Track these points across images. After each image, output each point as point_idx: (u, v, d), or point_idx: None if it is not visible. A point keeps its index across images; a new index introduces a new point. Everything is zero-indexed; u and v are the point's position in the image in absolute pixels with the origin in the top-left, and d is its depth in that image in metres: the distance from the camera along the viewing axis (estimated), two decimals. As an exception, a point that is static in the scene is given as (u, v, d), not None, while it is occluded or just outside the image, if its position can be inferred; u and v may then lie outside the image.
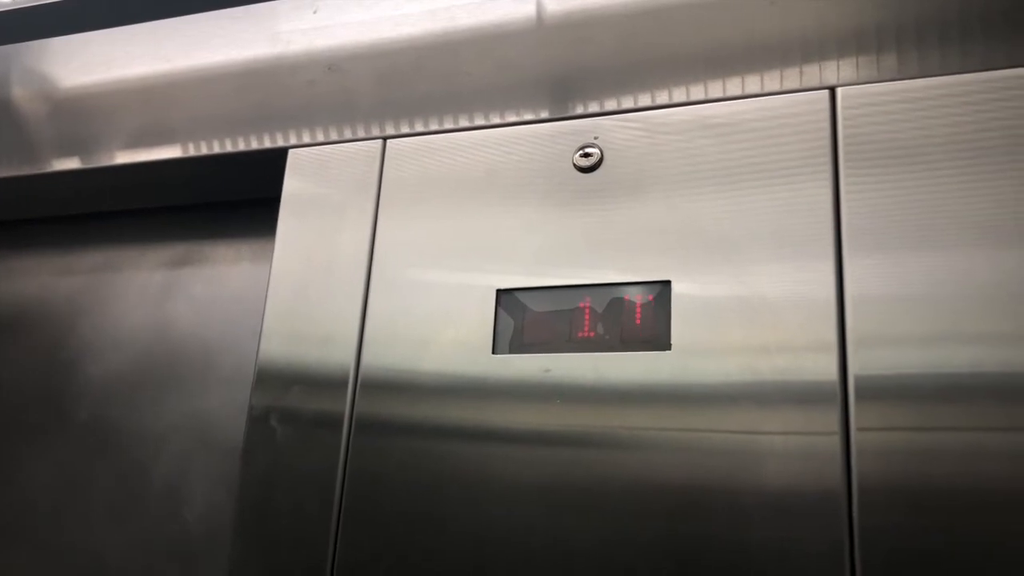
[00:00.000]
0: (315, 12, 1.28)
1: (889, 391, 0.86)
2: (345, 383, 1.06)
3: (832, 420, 0.86)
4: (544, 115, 1.09)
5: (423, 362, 1.03)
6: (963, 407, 0.83)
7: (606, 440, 0.93)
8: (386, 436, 1.03)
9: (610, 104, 1.07)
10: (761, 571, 0.85)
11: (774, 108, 0.98)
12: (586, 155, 1.04)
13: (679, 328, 0.94)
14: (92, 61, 1.42)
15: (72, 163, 1.37)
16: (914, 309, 0.87)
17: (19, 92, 1.46)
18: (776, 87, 0.99)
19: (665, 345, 0.94)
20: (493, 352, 1.01)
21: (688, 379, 0.92)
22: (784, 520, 0.85)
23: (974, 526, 0.80)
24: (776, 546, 0.85)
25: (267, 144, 1.24)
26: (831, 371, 0.88)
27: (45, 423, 1.44)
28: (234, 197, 1.40)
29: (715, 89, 1.02)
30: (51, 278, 1.53)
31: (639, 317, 0.96)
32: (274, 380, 1.10)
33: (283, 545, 1.04)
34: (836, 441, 0.86)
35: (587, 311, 0.99)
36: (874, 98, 0.95)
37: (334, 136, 1.20)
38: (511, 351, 1.00)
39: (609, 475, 0.92)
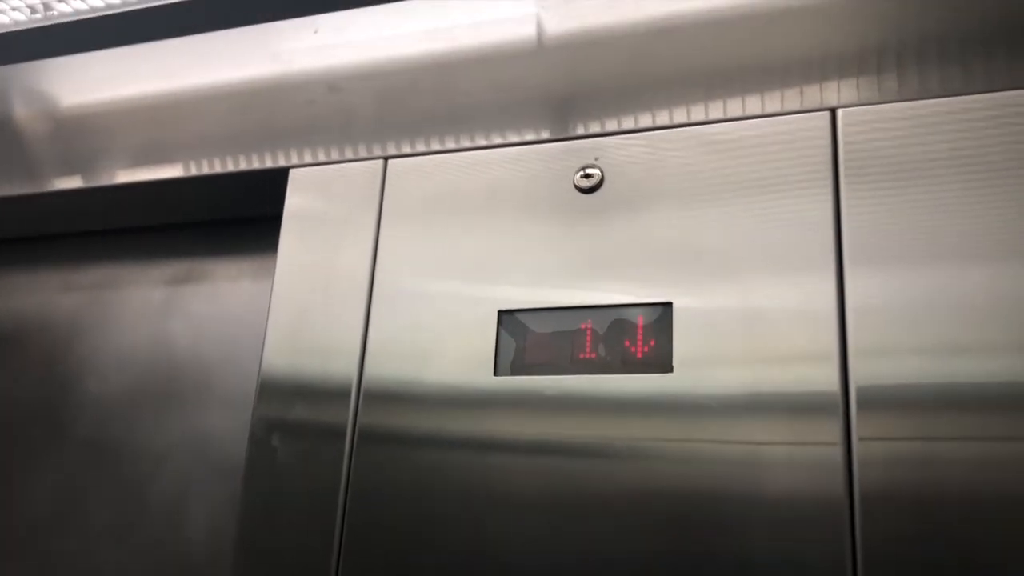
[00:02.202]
0: (316, 32, 1.29)
1: (890, 401, 0.86)
2: (348, 394, 1.07)
3: (834, 430, 0.87)
4: (545, 135, 1.10)
5: (424, 382, 1.04)
6: (964, 417, 0.84)
7: (609, 453, 0.94)
8: (389, 449, 1.03)
9: (611, 125, 1.07)
10: None
11: (775, 128, 0.99)
12: (587, 176, 1.05)
13: (681, 348, 0.95)
14: (94, 80, 1.43)
15: (74, 182, 1.37)
16: (914, 321, 0.88)
17: (21, 111, 1.47)
18: (777, 108, 1.00)
19: (667, 367, 0.95)
20: (495, 374, 1.01)
21: (691, 396, 0.93)
22: (787, 530, 0.86)
23: (976, 535, 0.81)
24: (779, 557, 0.86)
25: (268, 164, 1.25)
26: (833, 382, 0.89)
27: (45, 439, 1.44)
28: (235, 215, 1.40)
29: (716, 110, 1.03)
30: (53, 295, 1.53)
31: (641, 339, 0.97)
32: (277, 394, 1.11)
33: (286, 555, 1.04)
34: (838, 451, 0.86)
35: (588, 332, 0.99)
36: (874, 118, 0.96)
37: (335, 155, 1.21)
38: (513, 372, 1.01)
39: (612, 488, 0.93)
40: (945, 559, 0.81)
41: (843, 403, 0.88)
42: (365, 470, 1.04)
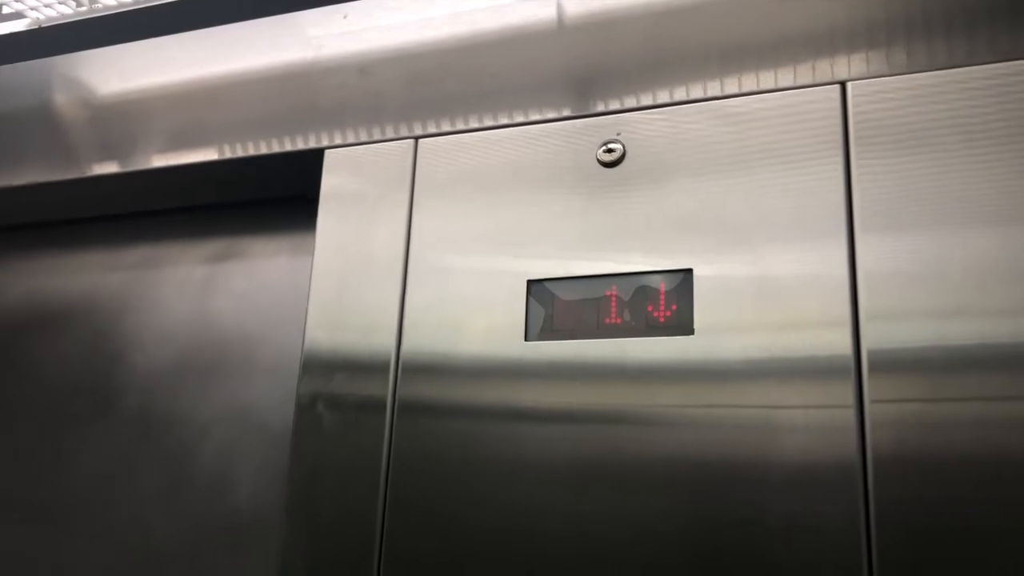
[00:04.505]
0: (345, 17, 1.32)
1: (901, 364, 0.89)
2: (387, 367, 1.10)
3: (847, 393, 0.90)
4: (568, 112, 1.13)
5: (461, 348, 1.07)
6: (973, 378, 0.86)
7: (633, 419, 0.97)
8: (427, 419, 1.07)
9: (630, 101, 1.10)
10: (781, 540, 0.88)
11: (788, 102, 1.01)
12: (609, 150, 1.08)
13: (702, 312, 0.98)
14: (137, 68, 1.46)
15: (119, 166, 1.41)
16: (923, 285, 0.90)
17: (67, 100, 1.50)
18: (789, 82, 1.02)
19: (688, 330, 0.98)
20: (525, 340, 1.05)
21: (711, 359, 0.96)
22: (802, 492, 0.89)
23: (986, 494, 0.83)
24: (795, 516, 0.88)
25: (303, 146, 1.28)
26: (845, 346, 0.91)
27: (96, 411, 1.47)
28: (273, 195, 1.43)
29: (731, 85, 1.05)
30: (100, 275, 1.56)
31: (663, 304, 1.00)
32: (320, 368, 1.14)
33: (333, 523, 1.08)
34: (851, 414, 0.89)
35: (614, 299, 1.03)
36: (883, 90, 0.98)
37: (369, 136, 1.24)
38: (542, 338, 1.04)
39: (635, 452, 0.96)
40: (957, 519, 0.84)
41: (855, 367, 0.90)
42: (406, 440, 1.07)
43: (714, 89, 1.06)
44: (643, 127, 1.08)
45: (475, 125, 1.18)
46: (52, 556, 1.42)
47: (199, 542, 1.32)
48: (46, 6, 1.46)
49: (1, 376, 1.58)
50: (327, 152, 1.26)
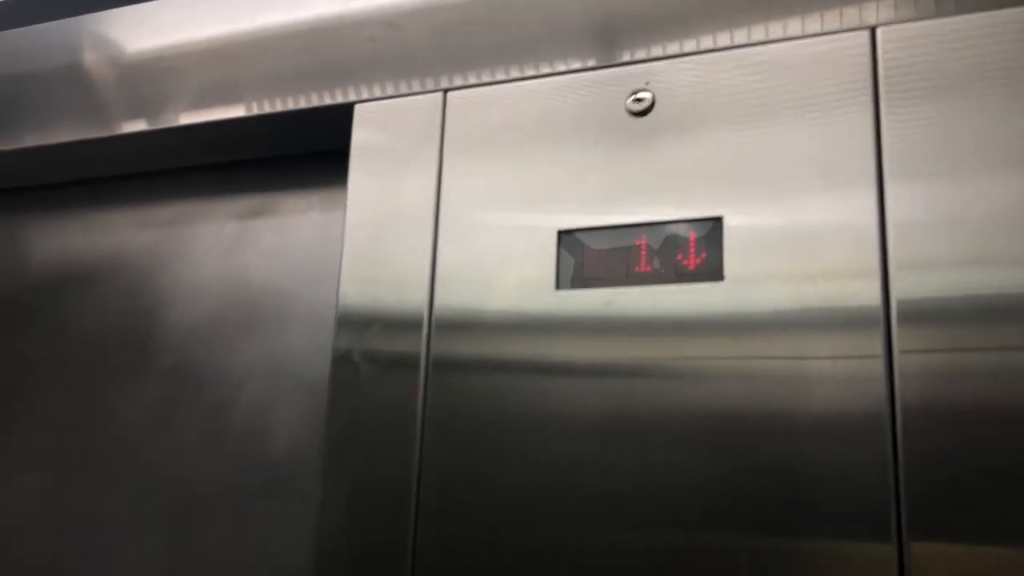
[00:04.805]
0: (371, -30, 1.32)
1: (930, 314, 0.89)
2: (420, 323, 1.11)
3: (876, 343, 0.90)
4: (597, 62, 1.13)
5: (492, 300, 1.09)
6: (1004, 328, 0.86)
7: (663, 369, 0.98)
8: (460, 373, 1.08)
9: (657, 50, 1.10)
10: (810, 490, 0.89)
11: (817, 48, 1.01)
12: (638, 100, 1.08)
13: (731, 260, 0.98)
14: (167, 25, 1.46)
15: (150, 124, 1.42)
16: (953, 234, 0.90)
17: (98, 58, 1.51)
18: (817, 29, 1.02)
19: (718, 277, 0.98)
20: (556, 288, 1.06)
21: (740, 308, 0.96)
22: (831, 441, 0.89)
23: (1013, 443, 0.83)
24: (824, 466, 0.89)
25: (332, 100, 1.28)
26: (874, 296, 0.91)
27: (130, 368, 1.50)
28: (304, 150, 1.44)
29: (758, 32, 1.05)
30: (131, 232, 1.58)
31: (693, 251, 1.01)
32: (354, 323, 1.16)
33: (370, 478, 1.10)
34: (880, 364, 0.89)
35: (643, 248, 1.03)
36: (913, 35, 0.97)
37: (397, 90, 1.24)
38: (573, 287, 1.05)
39: (665, 402, 0.97)
40: (985, 469, 0.84)
41: (884, 316, 0.90)
42: (440, 395, 1.08)
43: (741, 37, 1.06)
44: (671, 76, 1.08)
45: (503, 77, 1.18)
46: (89, 511, 1.45)
47: (238, 495, 1.35)
48: (76, -36, 1.46)
49: (37, 333, 1.60)
50: (357, 106, 1.26)
